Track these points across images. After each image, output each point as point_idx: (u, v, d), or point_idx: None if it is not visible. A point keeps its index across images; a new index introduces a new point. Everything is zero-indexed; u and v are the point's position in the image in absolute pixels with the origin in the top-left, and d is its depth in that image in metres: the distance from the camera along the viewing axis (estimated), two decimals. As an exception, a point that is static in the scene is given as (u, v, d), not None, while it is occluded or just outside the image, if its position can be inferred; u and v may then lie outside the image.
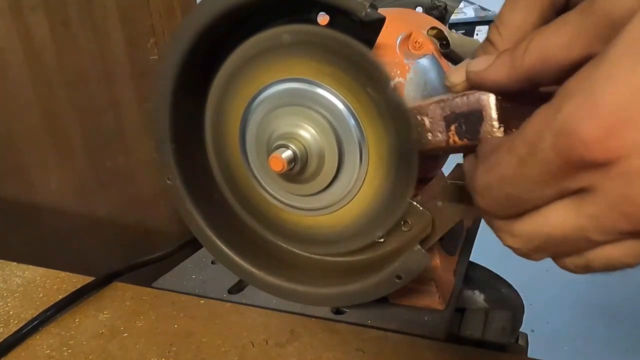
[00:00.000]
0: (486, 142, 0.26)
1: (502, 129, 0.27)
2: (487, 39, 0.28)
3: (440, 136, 0.30)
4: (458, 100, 0.28)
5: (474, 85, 0.27)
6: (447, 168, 0.44)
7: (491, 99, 0.26)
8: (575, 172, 0.19)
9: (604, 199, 0.19)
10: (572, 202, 0.20)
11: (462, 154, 0.30)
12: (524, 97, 0.26)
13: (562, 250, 0.22)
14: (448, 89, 0.29)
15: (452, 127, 0.29)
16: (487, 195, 0.23)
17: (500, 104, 0.26)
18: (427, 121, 0.30)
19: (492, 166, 0.22)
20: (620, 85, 0.17)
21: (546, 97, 0.27)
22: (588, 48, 0.21)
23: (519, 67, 0.23)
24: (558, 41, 0.22)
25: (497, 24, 0.27)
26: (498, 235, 0.24)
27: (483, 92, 0.27)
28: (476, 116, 0.27)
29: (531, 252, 0.23)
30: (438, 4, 0.53)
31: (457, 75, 0.28)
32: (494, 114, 0.26)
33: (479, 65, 0.26)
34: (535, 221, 0.22)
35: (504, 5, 0.27)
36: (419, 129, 0.31)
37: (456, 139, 0.29)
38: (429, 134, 0.30)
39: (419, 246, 0.38)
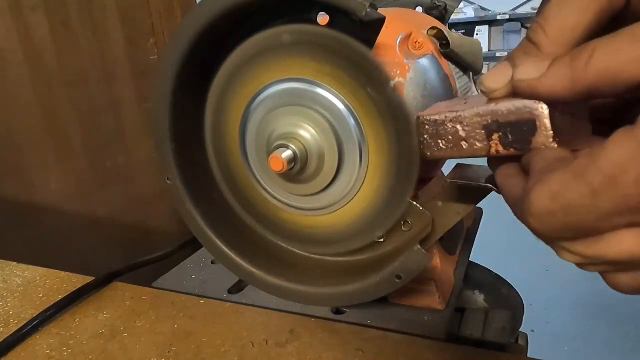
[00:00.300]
0: (541, 156, 0.24)
1: (557, 140, 0.25)
2: (529, 39, 0.25)
3: (479, 145, 0.28)
4: (502, 108, 0.26)
5: (524, 94, 0.25)
6: (447, 168, 0.44)
7: (545, 109, 0.25)
8: None
9: None
10: None
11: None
12: (569, 106, 0.26)
13: (623, 270, 0.21)
14: (483, 94, 0.27)
15: (495, 137, 0.27)
16: (546, 221, 0.21)
17: (553, 114, 0.25)
18: (460, 129, 0.28)
19: (556, 192, 0.20)
20: None
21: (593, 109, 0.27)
22: None
23: (581, 80, 0.21)
24: (631, 55, 0.20)
25: (541, 23, 0.24)
26: (553, 249, 0.23)
27: (535, 101, 0.25)
28: (528, 126, 0.25)
29: (589, 268, 0.22)
30: (438, 4, 0.53)
31: (495, 80, 0.26)
32: (549, 124, 0.25)
33: (530, 73, 0.24)
34: (599, 246, 0.21)
35: (550, 2, 0.24)
36: (450, 137, 0.29)
37: (500, 148, 0.27)
38: (464, 142, 0.29)
39: (419, 246, 0.38)
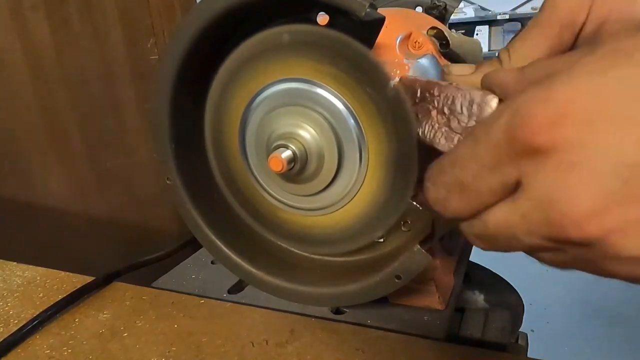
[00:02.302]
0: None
1: None
2: (497, 57, 0.32)
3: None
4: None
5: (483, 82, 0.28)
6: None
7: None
8: (517, 157, 0.20)
9: (533, 196, 0.20)
10: (509, 201, 0.21)
11: None
12: None
13: (509, 248, 0.23)
14: (446, 77, 0.33)
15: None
16: (437, 181, 0.24)
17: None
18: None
19: (449, 152, 0.24)
20: (583, 83, 0.18)
21: None
22: None
23: (524, 78, 0.24)
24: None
25: (508, 48, 0.31)
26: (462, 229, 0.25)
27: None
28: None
29: (486, 247, 0.24)
30: (438, 3, 0.53)
31: (459, 69, 0.34)
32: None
33: (490, 68, 0.29)
34: (480, 222, 0.23)
35: (519, 35, 0.32)
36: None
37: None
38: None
39: (419, 246, 0.38)
